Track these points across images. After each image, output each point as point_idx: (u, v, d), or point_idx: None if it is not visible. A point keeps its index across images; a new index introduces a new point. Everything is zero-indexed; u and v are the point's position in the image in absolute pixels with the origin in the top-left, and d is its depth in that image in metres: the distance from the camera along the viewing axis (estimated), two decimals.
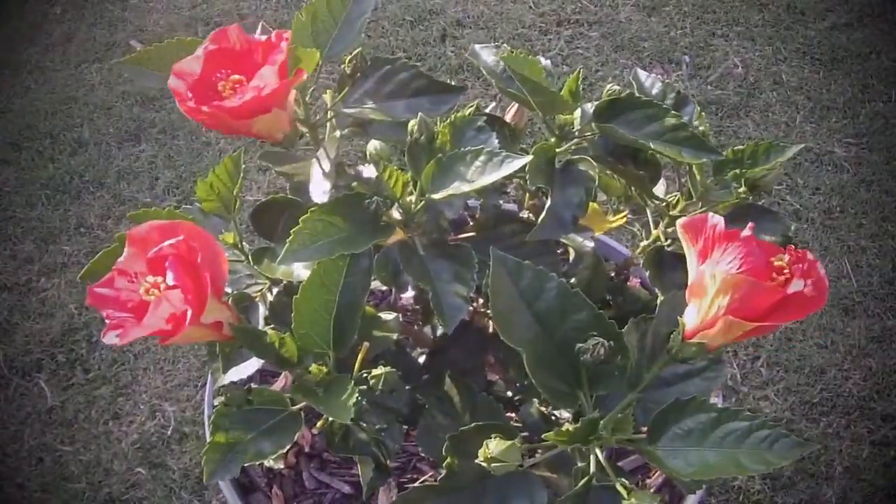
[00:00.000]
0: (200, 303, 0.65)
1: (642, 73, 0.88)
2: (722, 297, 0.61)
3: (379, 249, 0.78)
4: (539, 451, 0.72)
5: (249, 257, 0.81)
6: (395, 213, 0.75)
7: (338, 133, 0.82)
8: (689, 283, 0.64)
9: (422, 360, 0.95)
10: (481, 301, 0.95)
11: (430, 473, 1.11)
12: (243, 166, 0.78)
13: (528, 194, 0.93)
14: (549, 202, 0.78)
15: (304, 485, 1.14)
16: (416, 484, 1.09)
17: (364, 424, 0.78)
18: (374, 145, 0.74)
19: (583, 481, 0.67)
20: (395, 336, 0.79)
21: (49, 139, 1.94)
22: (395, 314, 0.81)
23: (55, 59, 2.11)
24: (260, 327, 0.78)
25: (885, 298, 1.62)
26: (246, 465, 0.73)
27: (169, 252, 0.65)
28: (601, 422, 0.66)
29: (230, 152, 0.81)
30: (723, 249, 0.61)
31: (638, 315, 0.72)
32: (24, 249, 1.74)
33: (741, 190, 0.82)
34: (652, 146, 0.78)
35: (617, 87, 0.83)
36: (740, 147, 0.84)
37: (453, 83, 0.85)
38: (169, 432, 1.48)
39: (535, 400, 0.84)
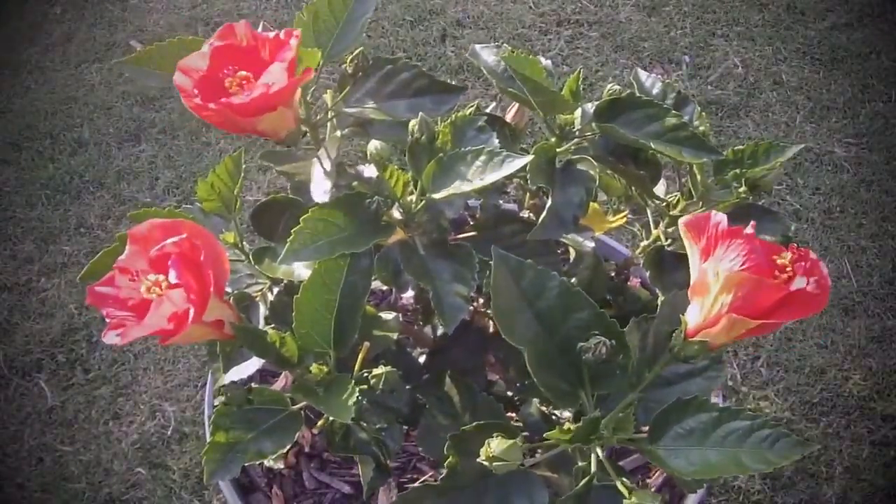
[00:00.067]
0: (203, 301, 0.65)
1: (643, 73, 0.88)
2: (725, 295, 0.61)
3: (380, 249, 0.78)
4: (540, 450, 0.72)
5: (250, 257, 0.81)
6: (396, 213, 0.75)
7: (339, 133, 0.82)
8: (692, 281, 0.64)
9: (422, 359, 0.94)
10: (482, 301, 0.95)
11: (431, 473, 1.11)
12: (244, 166, 0.78)
13: (528, 194, 0.93)
14: (549, 202, 0.78)
15: (304, 485, 1.14)
16: (417, 484, 1.09)
17: (364, 424, 0.78)
18: (374, 145, 0.74)
19: (584, 481, 0.67)
20: (395, 336, 0.79)
21: (49, 139, 1.94)
22: (395, 314, 0.81)
23: (55, 59, 2.11)
24: (260, 327, 0.78)
25: (885, 298, 1.62)
26: (246, 464, 0.73)
27: (172, 250, 0.65)
28: (602, 421, 0.66)
29: (230, 152, 0.81)
30: (725, 247, 0.61)
31: (638, 315, 0.72)
32: (24, 249, 1.74)
33: (741, 190, 0.82)
34: (652, 146, 0.78)
35: (617, 87, 0.83)
36: (740, 147, 0.84)
37: (454, 83, 0.85)
38: (169, 432, 1.48)
39: (536, 399, 0.84)
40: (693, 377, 0.74)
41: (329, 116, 0.84)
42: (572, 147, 0.83)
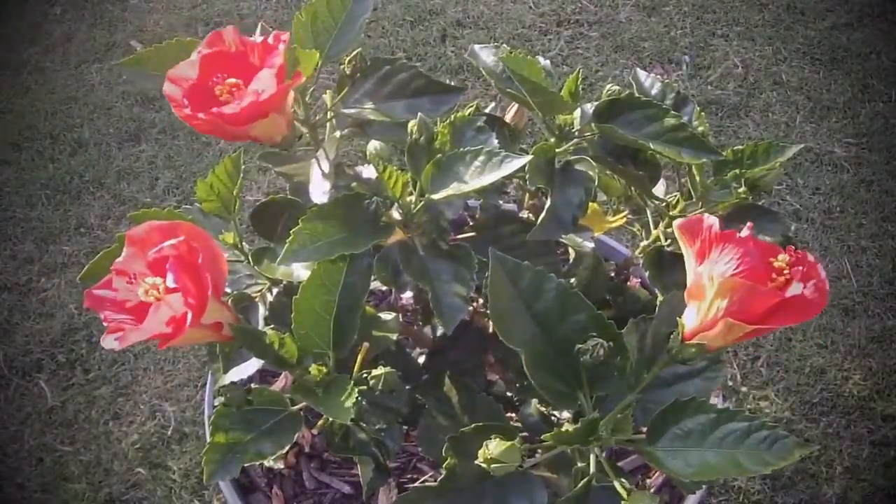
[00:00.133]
0: (201, 304, 0.65)
1: (642, 74, 0.88)
2: (720, 300, 0.61)
3: (379, 249, 0.78)
4: (539, 451, 0.72)
5: (249, 257, 0.81)
6: (395, 214, 0.75)
7: (337, 133, 0.82)
8: (688, 284, 0.64)
9: (422, 360, 0.94)
10: (481, 301, 0.95)
11: (431, 473, 1.11)
12: (243, 166, 0.78)
13: (527, 194, 0.93)
14: (548, 202, 0.78)
15: (304, 485, 1.14)
16: (416, 484, 1.09)
17: (364, 425, 0.78)
18: (373, 145, 0.74)
19: (583, 482, 0.67)
20: (394, 336, 0.79)
21: (49, 139, 1.94)
22: (394, 314, 0.81)
23: (55, 59, 2.11)
24: (260, 328, 0.78)
25: (885, 298, 1.62)
26: (246, 465, 0.73)
27: (170, 252, 0.65)
28: (601, 422, 0.66)
29: (230, 153, 0.81)
30: (720, 250, 0.61)
31: (638, 315, 0.72)
32: (24, 249, 1.74)
33: (741, 190, 0.82)
34: (652, 146, 0.78)
35: (617, 88, 0.83)
36: (740, 147, 0.84)
37: (453, 83, 0.85)
38: (169, 432, 1.48)
39: (535, 400, 0.84)
40: (691, 378, 0.74)
41: (328, 117, 0.84)
42: (571, 147, 0.83)
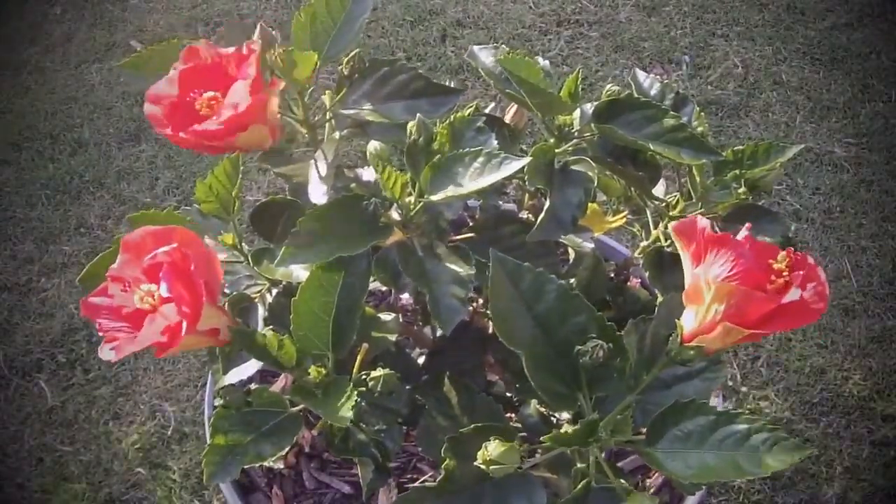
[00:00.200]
0: (196, 312, 0.64)
1: (641, 74, 0.88)
2: (718, 304, 0.61)
3: (378, 250, 0.78)
4: (538, 452, 0.72)
5: (249, 258, 0.81)
6: (394, 214, 0.75)
7: (336, 134, 0.82)
8: (686, 286, 0.64)
9: (421, 360, 0.94)
10: (481, 301, 0.95)
11: (431, 473, 1.11)
12: (242, 167, 0.78)
13: (527, 195, 0.93)
14: (548, 203, 0.78)
15: (304, 485, 1.14)
16: (416, 484, 1.09)
17: (363, 425, 0.78)
18: (373, 146, 0.74)
19: (582, 483, 0.67)
20: (394, 337, 0.79)
21: (49, 139, 1.94)
22: (394, 315, 0.81)
23: (55, 59, 2.11)
24: (259, 329, 0.78)
25: (885, 298, 1.61)
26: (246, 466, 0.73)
27: (163, 259, 0.65)
28: (600, 424, 0.66)
29: (230, 153, 0.81)
30: (714, 253, 0.61)
31: (638, 315, 0.72)
32: (24, 249, 1.74)
33: (741, 190, 0.82)
34: (651, 147, 0.78)
35: (616, 88, 0.83)
36: (740, 147, 0.84)
37: (453, 84, 0.85)
38: (169, 432, 1.48)
39: (535, 401, 0.84)
40: (691, 379, 0.74)
41: (327, 118, 0.84)
42: (571, 148, 0.83)
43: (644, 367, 0.70)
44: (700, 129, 0.83)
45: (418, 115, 0.74)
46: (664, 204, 0.88)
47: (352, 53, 0.81)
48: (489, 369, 0.98)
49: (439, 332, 0.93)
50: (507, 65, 0.76)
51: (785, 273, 0.60)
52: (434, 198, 0.71)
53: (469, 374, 0.88)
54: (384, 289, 1.21)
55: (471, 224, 0.89)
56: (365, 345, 0.76)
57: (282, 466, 1.14)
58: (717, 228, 0.81)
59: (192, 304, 0.64)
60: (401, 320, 0.82)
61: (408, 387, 0.85)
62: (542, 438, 0.66)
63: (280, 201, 0.82)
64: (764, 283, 0.60)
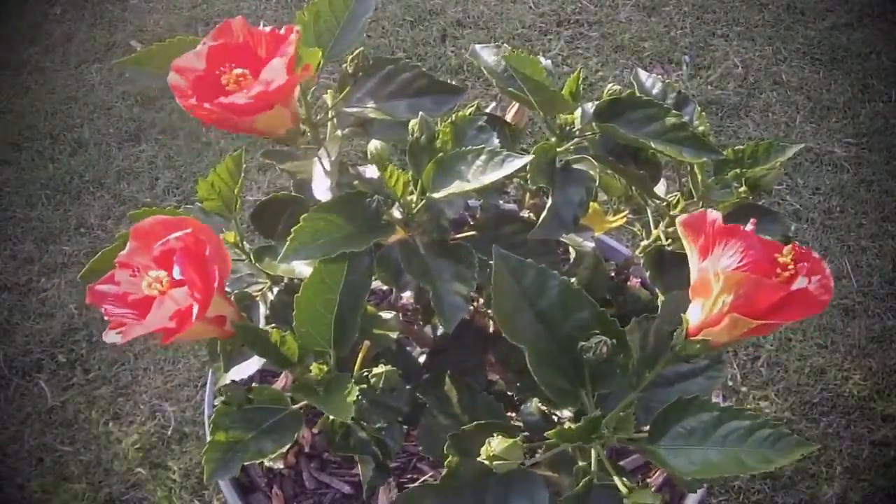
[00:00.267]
0: (207, 297, 0.64)
1: (643, 73, 0.89)
2: (726, 295, 0.61)
3: (380, 248, 0.78)
4: (540, 449, 0.72)
5: (250, 256, 0.81)
6: (396, 212, 0.75)
7: (339, 132, 0.82)
8: (692, 280, 0.64)
9: (422, 359, 0.94)
10: (482, 300, 0.95)
11: (431, 473, 1.11)
12: (244, 165, 0.78)
13: (528, 194, 0.93)
14: (549, 202, 0.78)
15: (304, 485, 1.14)
16: (417, 484, 1.09)
17: (364, 423, 0.78)
18: (374, 144, 0.74)
19: (584, 481, 0.67)
20: (395, 335, 0.79)
21: (49, 139, 1.94)
22: (395, 313, 0.81)
23: (55, 59, 2.11)
24: (261, 326, 0.78)
25: (885, 298, 1.62)
26: (246, 464, 0.73)
27: (175, 245, 0.65)
28: (603, 420, 0.66)
29: (230, 152, 0.81)
30: (723, 245, 0.61)
31: (639, 315, 0.72)
32: (24, 249, 1.74)
33: (741, 190, 0.82)
34: (653, 146, 0.78)
35: (617, 87, 0.83)
36: (741, 147, 0.84)
37: (454, 83, 0.85)
38: (169, 432, 1.48)
39: (536, 399, 0.84)
40: (694, 377, 0.74)
41: (329, 116, 0.84)
42: (572, 147, 0.84)
43: (647, 365, 0.70)
44: (701, 128, 0.84)
45: (421, 113, 0.74)
46: (665, 203, 0.88)
47: (356, 52, 0.81)
48: (490, 368, 0.98)
49: (440, 331, 0.94)
50: (512, 62, 0.76)
51: (790, 266, 0.60)
52: (436, 195, 0.71)
53: (470, 373, 0.88)
54: (384, 288, 1.21)
55: (472, 223, 0.89)
56: (366, 342, 0.76)
57: (282, 466, 1.14)
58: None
59: (204, 289, 0.64)
60: (401, 319, 0.82)
61: (408, 385, 0.85)
62: (546, 433, 0.66)
63: (282, 198, 0.82)
64: (771, 275, 0.60)
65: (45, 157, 1.90)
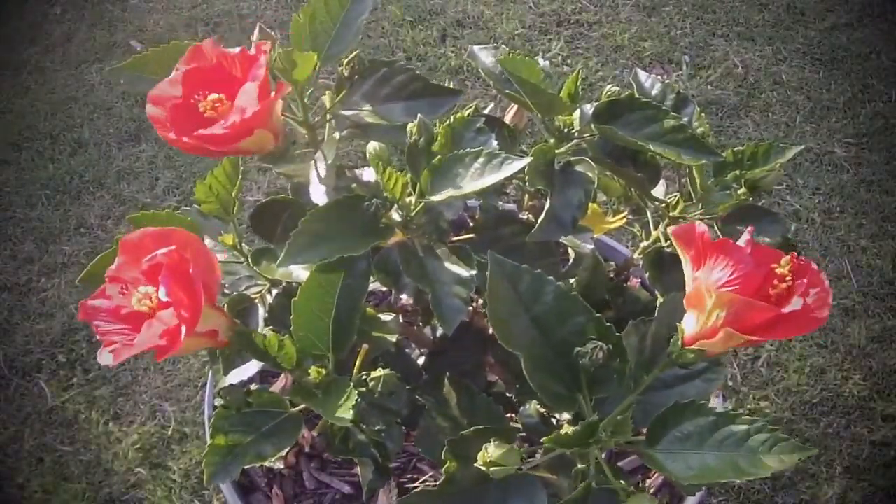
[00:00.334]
0: (195, 315, 0.64)
1: (642, 74, 0.88)
2: (720, 311, 0.61)
3: (378, 251, 0.78)
4: (539, 452, 0.72)
5: (249, 258, 0.81)
6: (395, 215, 0.75)
7: (336, 135, 0.82)
8: (687, 290, 0.64)
9: (421, 361, 0.94)
10: (481, 302, 0.95)
11: (431, 474, 1.11)
12: (242, 167, 0.78)
13: (527, 195, 0.93)
14: (548, 203, 0.78)
15: (304, 485, 1.14)
16: (417, 484, 1.09)
17: (364, 426, 0.78)
18: (373, 146, 0.74)
19: (582, 484, 0.66)
20: (394, 337, 0.79)
21: (49, 139, 1.94)
22: (394, 315, 0.81)
23: (55, 60, 2.11)
24: (259, 329, 0.78)
25: (885, 298, 1.61)
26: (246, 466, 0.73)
27: (162, 261, 0.64)
28: (600, 425, 0.66)
29: None
30: (714, 259, 0.61)
31: (638, 316, 0.72)
32: (24, 249, 1.74)
33: (741, 191, 0.82)
34: (651, 147, 0.77)
35: (616, 89, 0.83)
36: (740, 148, 0.84)
37: (453, 84, 0.85)
38: (169, 433, 1.48)
39: (534, 401, 0.84)
40: (691, 380, 0.74)
41: (327, 118, 0.84)
42: (571, 148, 0.83)
43: (644, 369, 0.70)
44: (701, 129, 0.83)
45: (419, 115, 0.74)
46: (664, 204, 0.88)
47: (352, 54, 0.81)
48: (489, 370, 0.98)
49: (439, 333, 0.94)
50: (508, 65, 0.76)
51: (788, 278, 0.60)
52: (435, 198, 0.71)
53: (469, 375, 0.88)
54: (384, 289, 1.21)
55: (471, 225, 0.89)
56: (365, 345, 0.76)
57: (282, 466, 1.14)
58: (717, 230, 0.81)
59: (191, 307, 0.64)
60: (400, 321, 0.82)
61: (408, 388, 0.85)
62: (542, 440, 0.66)
63: (281, 201, 0.82)
64: (766, 287, 0.60)
65: (45, 157, 1.90)
